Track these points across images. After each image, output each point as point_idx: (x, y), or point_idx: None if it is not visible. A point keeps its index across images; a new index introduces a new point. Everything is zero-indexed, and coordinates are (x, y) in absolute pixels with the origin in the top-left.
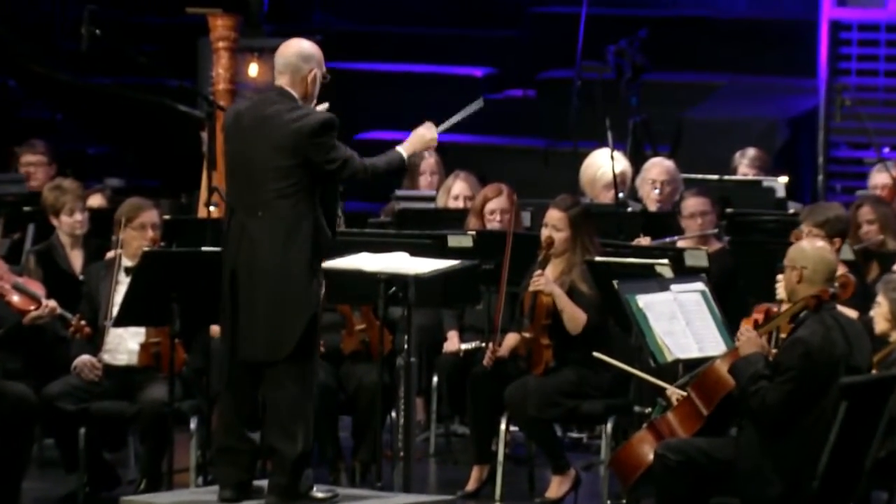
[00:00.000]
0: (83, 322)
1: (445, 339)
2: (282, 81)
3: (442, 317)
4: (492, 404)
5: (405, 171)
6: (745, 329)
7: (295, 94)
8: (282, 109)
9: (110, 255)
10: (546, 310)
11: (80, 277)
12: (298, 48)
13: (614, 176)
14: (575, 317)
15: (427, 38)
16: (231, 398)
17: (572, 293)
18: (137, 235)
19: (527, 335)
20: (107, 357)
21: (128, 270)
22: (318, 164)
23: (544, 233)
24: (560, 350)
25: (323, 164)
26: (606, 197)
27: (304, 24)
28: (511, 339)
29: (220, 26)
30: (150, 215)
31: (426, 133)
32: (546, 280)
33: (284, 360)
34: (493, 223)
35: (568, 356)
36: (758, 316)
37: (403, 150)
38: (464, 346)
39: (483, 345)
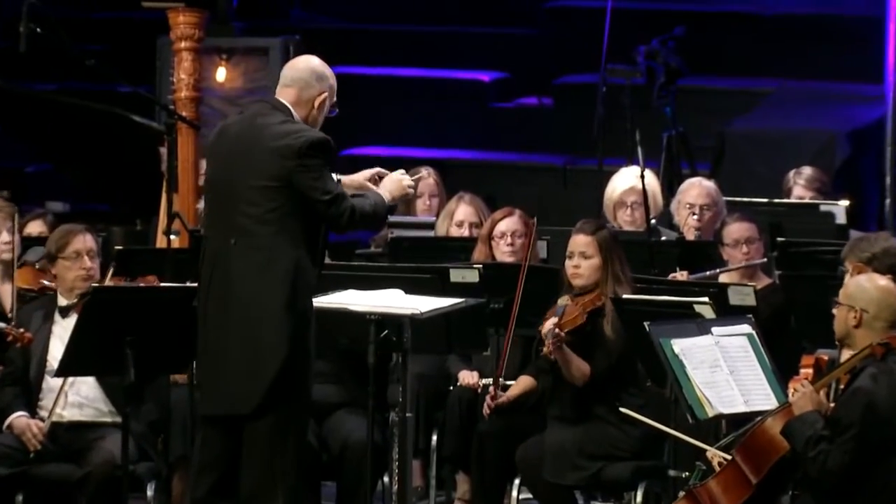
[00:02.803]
0: (22, 329)
1: (454, 382)
2: (284, 95)
3: (442, 364)
4: (501, 466)
5: (385, 220)
6: (800, 384)
7: (295, 112)
8: (270, 122)
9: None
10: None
11: (10, 315)
12: (314, 65)
13: (645, 199)
14: (580, 368)
15: (425, 37)
16: (200, 460)
17: (593, 333)
18: (72, 266)
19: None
20: (45, 413)
21: (63, 310)
22: (305, 191)
23: (569, 265)
24: (581, 403)
25: (310, 192)
26: (635, 224)
27: (280, 21)
28: (522, 382)
29: (183, 23)
30: (84, 240)
31: (401, 178)
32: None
33: (256, 415)
34: (504, 250)
35: (590, 410)
36: (807, 372)
37: (384, 193)
38: (483, 381)
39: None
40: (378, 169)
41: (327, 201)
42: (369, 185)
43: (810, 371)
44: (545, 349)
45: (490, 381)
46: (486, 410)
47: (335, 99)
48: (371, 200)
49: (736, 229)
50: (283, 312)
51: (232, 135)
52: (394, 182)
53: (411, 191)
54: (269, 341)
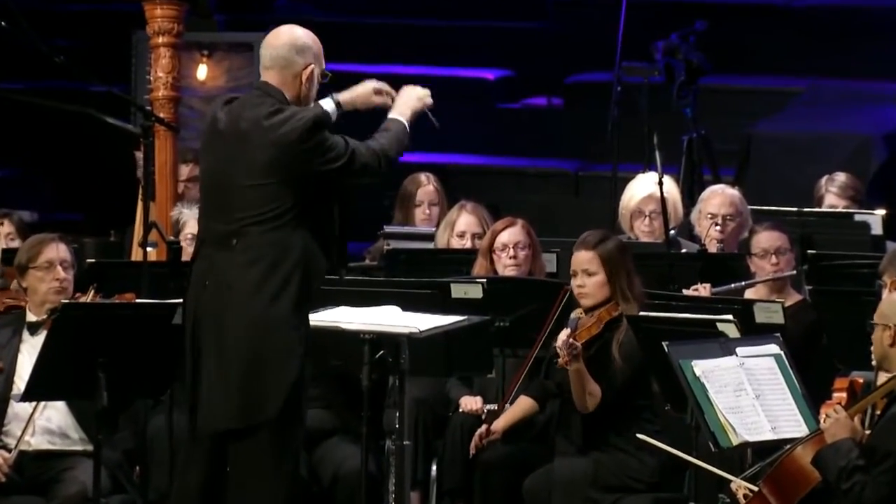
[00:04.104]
0: None
1: (454, 408)
2: (269, 78)
3: (443, 387)
4: (506, 499)
5: (407, 142)
6: (833, 410)
7: (285, 93)
8: (260, 115)
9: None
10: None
11: None
12: (291, 38)
13: (664, 208)
14: (591, 390)
15: (423, 31)
16: (181, 485)
17: (604, 352)
18: (44, 277)
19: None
20: (11, 441)
21: (32, 327)
22: (319, 170)
23: (574, 284)
24: (592, 430)
25: (325, 167)
26: (653, 235)
27: (266, 13)
28: (519, 406)
29: (160, 17)
30: (57, 250)
31: (418, 90)
32: (570, 344)
33: (257, 430)
34: (506, 263)
35: (603, 438)
36: (840, 396)
37: (398, 115)
38: (487, 407)
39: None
40: (377, 83)
41: (346, 164)
42: (376, 98)
43: (844, 395)
44: (560, 360)
45: (495, 406)
46: (473, 447)
47: (323, 65)
48: (391, 134)
49: (766, 238)
50: (292, 319)
51: (223, 127)
52: (408, 95)
53: (430, 101)
54: (278, 351)
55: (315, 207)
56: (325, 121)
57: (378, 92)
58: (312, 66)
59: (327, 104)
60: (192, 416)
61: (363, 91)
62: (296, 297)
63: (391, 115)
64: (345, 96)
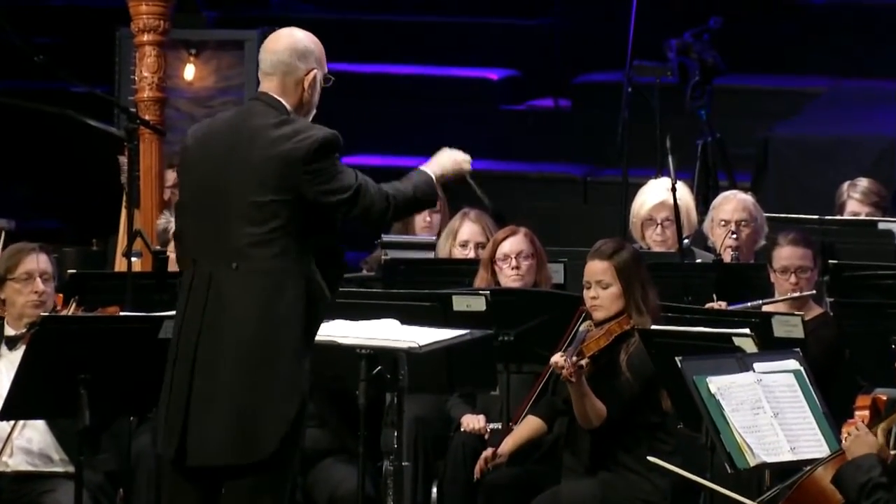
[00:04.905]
0: None
1: (456, 427)
2: (269, 87)
3: (443, 405)
4: None
5: (433, 200)
6: (855, 427)
7: (286, 103)
8: (266, 125)
9: None
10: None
11: None
12: (292, 42)
13: (677, 215)
14: (595, 407)
15: (424, 29)
16: None
17: (609, 369)
18: (22, 289)
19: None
20: None
21: (10, 341)
22: (317, 199)
23: (587, 295)
24: (601, 450)
25: (324, 198)
26: (666, 244)
27: (257, 10)
28: (527, 426)
29: (145, 13)
30: (37, 261)
31: (458, 153)
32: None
33: (257, 466)
34: (509, 274)
35: (613, 458)
36: (862, 414)
37: (430, 170)
38: (491, 426)
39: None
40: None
41: (348, 199)
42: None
43: (866, 413)
44: (564, 373)
45: (498, 425)
46: (477, 471)
47: (326, 69)
48: (413, 180)
49: (787, 254)
50: (297, 347)
51: (221, 139)
52: (446, 154)
53: (468, 168)
54: (282, 381)
55: (321, 233)
56: (335, 143)
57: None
58: (315, 70)
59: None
60: (178, 449)
61: (456, 163)
62: (303, 325)
63: (422, 167)
64: (436, 168)
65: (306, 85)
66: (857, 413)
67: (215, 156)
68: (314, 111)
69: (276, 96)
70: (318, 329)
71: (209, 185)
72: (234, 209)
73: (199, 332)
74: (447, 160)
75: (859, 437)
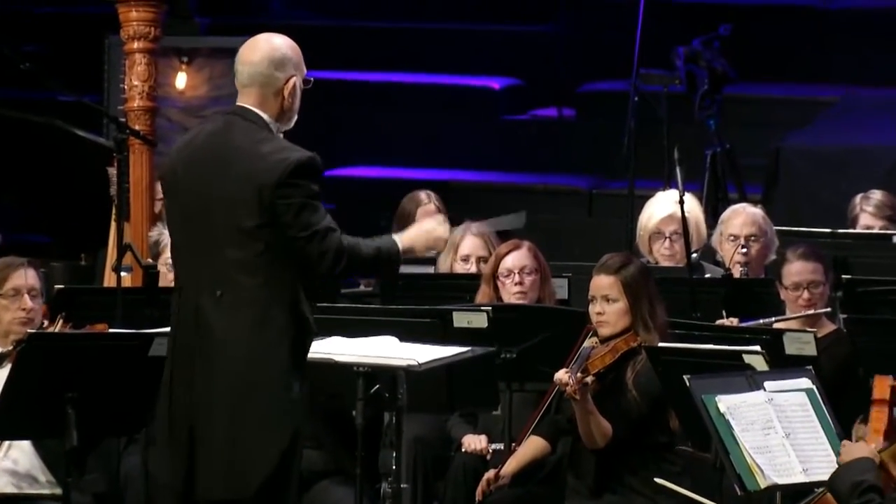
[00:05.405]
0: None
1: (456, 447)
2: (247, 100)
3: (444, 425)
4: None
5: (394, 271)
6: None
7: (265, 115)
8: (244, 145)
9: None
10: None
11: None
12: (269, 51)
13: (685, 229)
14: (600, 426)
15: (424, 36)
16: None
17: (615, 387)
18: (9, 306)
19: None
20: None
21: None
22: (284, 226)
23: (592, 311)
24: (606, 471)
25: (289, 228)
26: (674, 258)
27: (253, 16)
28: (530, 447)
29: (136, 20)
30: (24, 276)
31: (436, 227)
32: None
33: (251, 500)
34: (512, 290)
35: (618, 479)
36: (880, 410)
37: (399, 239)
38: (493, 446)
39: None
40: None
41: (305, 238)
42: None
43: (885, 411)
44: (568, 391)
45: (500, 446)
46: (479, 493)
47: (304, 72)
48: (376, 243)
49: (797, 270)
50: (285, 375)
51: (202, 162)
52: (423, 229)
53: (443, 246)
54: (271, 410)
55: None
56: (312, 169)
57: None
58: (294, 77)
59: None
60: (170, 481)
61: (432, 241)
62: (290, 354)
63: (396, 235)
64: (406, 243)
65: (286, 94)
66: (875, 409)
67: (197, 180)
68: (296, 117)
69: (255, 110)
70: (307, 353)
71: (192, 211)
72: (217, 235)
73: (193, 360)
74: (423, 237)
75: (852, 446)
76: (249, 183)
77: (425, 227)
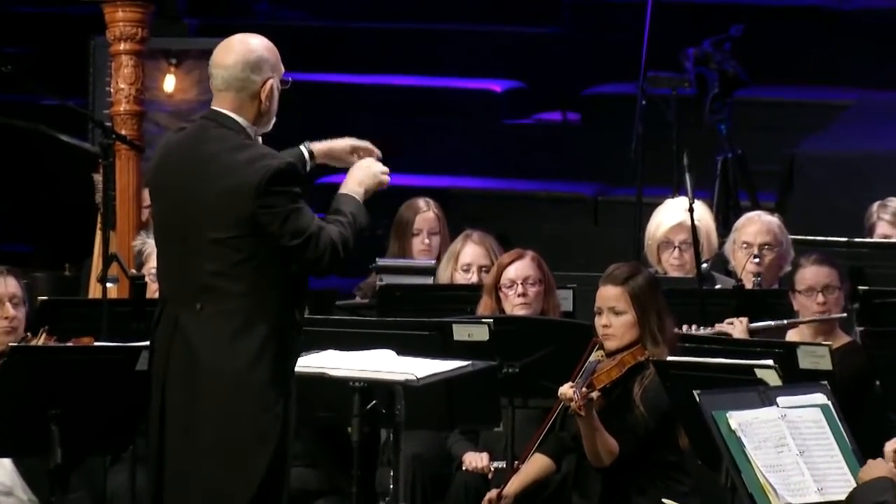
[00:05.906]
0: None
1: (457, 465)
2: (223, 104)
3: (443, 443)
4: None
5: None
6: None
7: (242, 120)
8: (219, 153)
9: None
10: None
11: None
12: (244, 53)
13: (695, 237)
14: (606, 443)
15: (423, 37)
16: None
17: (621, 402)
18: None
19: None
20: None
21: None
22: (272, 236)
23: (598, 323)
24: (612, 490)
25: (278, 239)
26: (684, 268)
27: (241, 17)
28: (534, 466)
29: (122, 21)
30: (4, 284)
31: (369, 164)
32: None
33: None
34: (515, 302)
35: (625, 498)
36: None
37: (351, 192)
38: (495, 465)
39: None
40: (356, 141)
41: (299, 245)
42: (350, 156)
43: None
44: (573, 406)
45: (503, 464)
46: None
47: (282, 71)
48: (344, 213)
49: (812, 274)
50: (266, 390)
51: (176, 170)
52: (363, 171)
53: (387, 179)
54: (252, 427)
55: (285, 259)
56: (291, 175)
57: (356, 150)
58: (271, 79)
59: (298, 152)
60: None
61: (341, 147)
62: (271, 364)
63: (343, 190)
64: (319, 147)
65: (263, 97)
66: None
67: (172, 189)
68: (274, 119)
69: (231, 114)
70: (294, 365)
71: (170, 222)
72: (194, 246)
73: (166, 377)
74: (366, 176)
75: (871, 464)
76: (225, 193)
77: (359, 170)
